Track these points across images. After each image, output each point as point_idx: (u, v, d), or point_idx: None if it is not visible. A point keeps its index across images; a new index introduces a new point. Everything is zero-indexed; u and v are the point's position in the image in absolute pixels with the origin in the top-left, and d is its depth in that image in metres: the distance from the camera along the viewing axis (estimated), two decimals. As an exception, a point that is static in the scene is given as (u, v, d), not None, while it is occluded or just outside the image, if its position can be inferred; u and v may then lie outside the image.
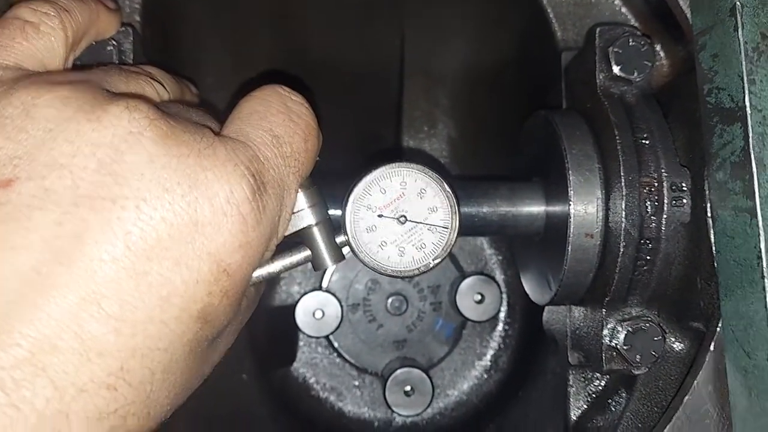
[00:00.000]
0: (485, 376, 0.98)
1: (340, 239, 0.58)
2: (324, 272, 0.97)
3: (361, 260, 0.57)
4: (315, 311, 0.95)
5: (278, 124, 0.48)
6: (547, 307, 0.79)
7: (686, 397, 0.59)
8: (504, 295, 0.96)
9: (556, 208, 0.66)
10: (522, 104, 0.74)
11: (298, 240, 0.59)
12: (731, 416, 0.56)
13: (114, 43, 0.59)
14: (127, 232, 0.39)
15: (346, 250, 0.58)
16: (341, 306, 0.95)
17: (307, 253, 0.58)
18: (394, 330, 0.98)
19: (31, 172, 0.38)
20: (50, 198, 0.38)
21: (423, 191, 0.58)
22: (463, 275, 0.95)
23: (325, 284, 0.97)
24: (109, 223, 0.38)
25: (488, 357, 0.99)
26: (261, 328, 0.96)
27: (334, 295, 0.95)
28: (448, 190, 0.58)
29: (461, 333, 0.98)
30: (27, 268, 0.37)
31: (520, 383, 0.97)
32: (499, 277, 0.97)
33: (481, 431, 0.96)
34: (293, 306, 0.95)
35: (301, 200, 0.58)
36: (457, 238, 0.59)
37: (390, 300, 0.97)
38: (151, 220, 0.39)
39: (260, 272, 0.57)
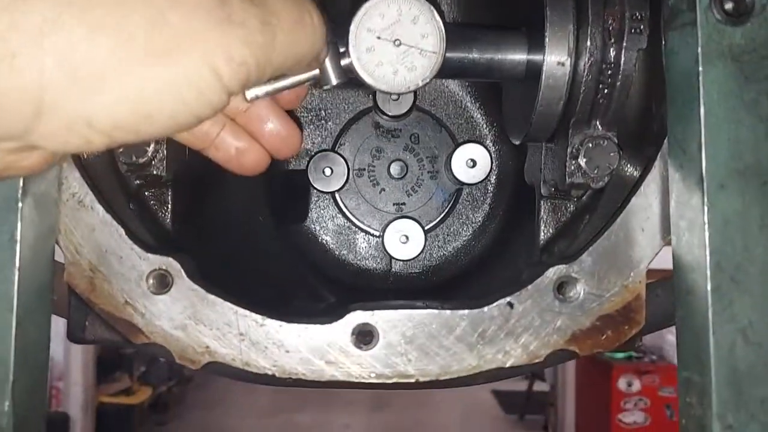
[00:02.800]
0: (475, 240, 1.09)
1: (344, 62, 0.68)
2: (336, 137, 1.08)
3: (361, 78, 0.67)
4: (325, 168, 1.05)
5: None
6: (528, 158, 0.89)
7: (634, 198, 0.69)
8: (494, 166, 1.06)
9: (537, 56, 0.76)
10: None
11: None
12: (669, 203, 0.66)
13: None
14: None
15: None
16: (348, 166, 1.06)
17: (315, 72, 0.68)
18: (395, 193, 1.08)
19: None
20: None
21: (416, 18, 0.68)
22: (457, 144, 1.05)
23: (336, 147, 1.08)
24: None
25: (478, 223, 1.09)
26: (278, 185, 1.08)
27: (342, 156, 1.06)
28: (438, 18, 0.68)
29: (456, 200, 1.09)
30: None
31: (505, 246, 1.08)
32: (492, 148, 1.07)
33: (467, 286, 1.07)
34: (306, 165, 1.06)
35: None
36: (443, 63, 0.69)
37: (392, 165, 1.08)
38: None
39: (274, 86, 0.67)
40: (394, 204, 1.08)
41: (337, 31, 0.69)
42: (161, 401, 7.51)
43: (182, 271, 0.66)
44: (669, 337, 6.16)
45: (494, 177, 1.08)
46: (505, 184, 1.09)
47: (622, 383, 5.92)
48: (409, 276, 1.09)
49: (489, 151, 1.04)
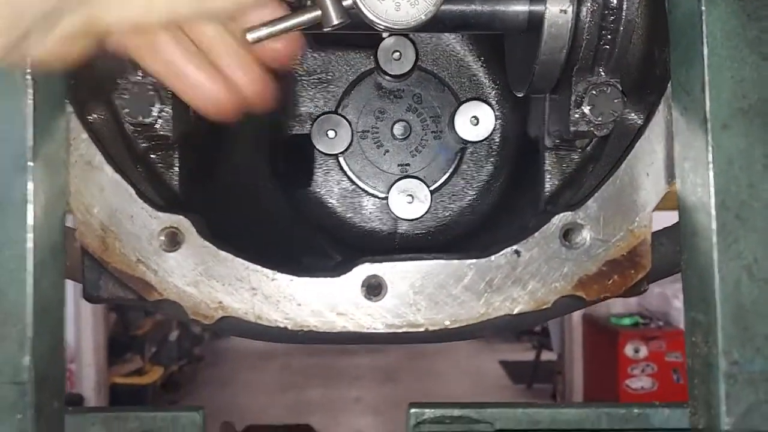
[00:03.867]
0: (480, 198, 1.10)
1: (345, 2, 0.68)
2: (339, 99, 1.08)
3: (363, 14, 0.67)
4: (328, 131, 1.06)
5: None
6: (531, 110, 0.90)
7: (638, 143, 0.69)
8: (498, 123, 1.06)
9: (539, 5, 0.76)
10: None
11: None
12: (674, 146, 0.66)
13: None
14: None
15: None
16: (351, 128, 1.06)
17: (317, 12, 0.68)
18: (399, 154, 1.09)
19: None
20: None
21: (418, -48, 0.67)
22: (460, 102, 1.05)
23: (338, 109, 1.08)
24: None
25: (483, 182, 1.10)
26: (282, 149, 1.08)
27: (345, 118, 1.07)
28: (439, -50, 0.67)
29: (461, 159, 1.09)
30: None
31: (511, 204, 1.09)
32: (495, 105, 1.07)
33: (474, 245, 1.07)
34: (309, 128, 1.06)
35: None
36: (444, 15, 0.68)
37: (395, 126, 1.08)
38: None
39: (276, 27, 0.67)
40: (398, 165, 1.09)
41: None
42: (173, 380, 7.60)
43: (193, 228, 0.67)
44: (675, 302, 6.19)
45: (498, 134, 1.09)
46: (509, 141, 1.09)
47: (629, 349, 5.96)
48: (416, 236, 1.10)
49: (492, 108, 1.04)
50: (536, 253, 0.68)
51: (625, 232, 0.69)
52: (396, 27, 0.67)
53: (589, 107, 0.72)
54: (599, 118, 0.72)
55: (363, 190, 1.09)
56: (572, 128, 0.73)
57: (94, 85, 0.71)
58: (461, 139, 1.05)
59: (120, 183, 0.67)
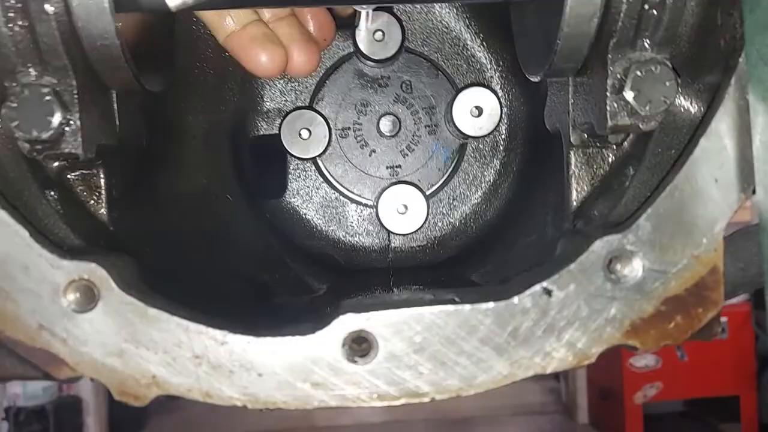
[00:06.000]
0: (486, 203, 0.93)
1: None
2: (313, 92, 0.90)
3: None
4: (301, 130, 0.88)
5: None
6: (549, 98, 0.72)
7: (702, 139, 0.52)
8: (504, 112, 0.89)
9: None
10: None
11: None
12: (752, 144, 0.49)
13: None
14: None
15: None
16: (329, 126, 0.89)
17: None
18: (388, 155, 0.92)
19: None
20: None
21: None
22: (458, 90, 0.88)
23: (313, 104, 0.91)
24: None
25: (489, 183, 0.93)
26: (246, 153, 0.91)
27: (321, 114, 0.89)
28: None
29: (461, 158, 0.92)
30: None
31: (523, 208, 0.92)
32: (500, 91, 0.90)
33: (482, 260, 0.91)
34: (279, 128, 0.89)
35: None
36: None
37: (382, 121, 0.91)
38: None
39: None
40: (387, 167, 0.92)
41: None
42: (170, 379, 7.46)
43: (110, 279, 0.50)
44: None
45: (505, 126, 0.91)
46: (518, 134, 0.92)
47: (632, 328, 5.84)
48: (412, 250, 0.93)
49: (497, 95, 0.86)
50: (573, 291, 0.51)
51: (688, 260, 0.52)
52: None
53: (632, 93, 0.55)
54: (646, 108, 0.55)
55: (347, 198, 0.92)
56: (611, 122, 0.56)
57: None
58: (461, 133, 0.87)
59: (8, 223, 0.49)
